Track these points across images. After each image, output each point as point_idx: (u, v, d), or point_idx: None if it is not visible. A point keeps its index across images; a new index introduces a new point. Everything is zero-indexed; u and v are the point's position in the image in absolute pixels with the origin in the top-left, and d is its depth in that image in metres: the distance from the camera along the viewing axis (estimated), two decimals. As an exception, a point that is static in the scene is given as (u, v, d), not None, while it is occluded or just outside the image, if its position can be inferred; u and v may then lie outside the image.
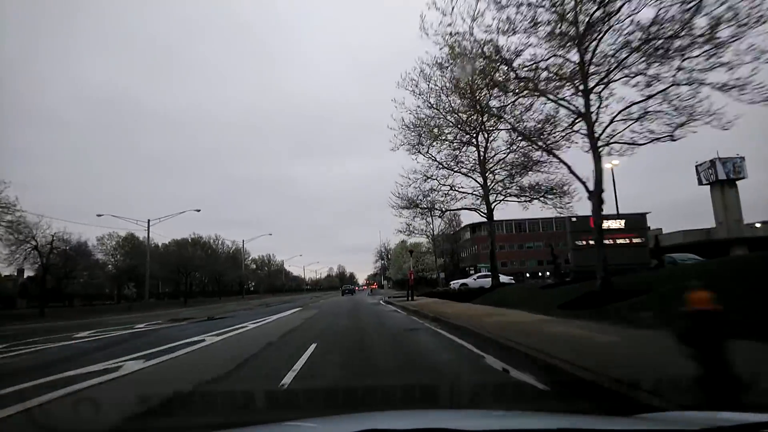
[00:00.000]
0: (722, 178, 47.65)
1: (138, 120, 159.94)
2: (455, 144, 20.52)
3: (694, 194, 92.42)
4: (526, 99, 12.55)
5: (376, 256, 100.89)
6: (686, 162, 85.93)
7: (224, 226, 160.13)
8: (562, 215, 20.71)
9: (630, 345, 6.06)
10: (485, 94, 14.12)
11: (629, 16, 9.20)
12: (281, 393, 4.79)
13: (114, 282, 47.90)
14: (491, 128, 19.16)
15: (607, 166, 21.41)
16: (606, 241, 12.27)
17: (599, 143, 10.75)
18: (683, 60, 8.95)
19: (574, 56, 10.30)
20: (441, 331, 9.93)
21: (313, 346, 8.05)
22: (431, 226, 31.48)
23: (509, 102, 13.05)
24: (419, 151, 20.47)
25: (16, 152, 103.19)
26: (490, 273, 27.24)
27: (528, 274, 63.40)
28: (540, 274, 67.61)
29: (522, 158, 19.60)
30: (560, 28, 9.79)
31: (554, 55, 10.40)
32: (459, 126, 19.47)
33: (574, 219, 18.36)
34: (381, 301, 25.13)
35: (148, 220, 34.94)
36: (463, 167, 21.09)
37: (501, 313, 11.69)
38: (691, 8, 8.23)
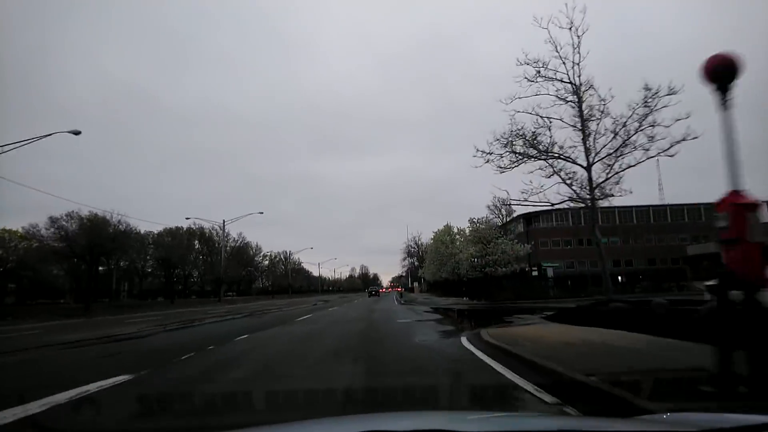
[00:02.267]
0: None
1: (157, 115, 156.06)
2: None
3: None
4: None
5: (404, 254, 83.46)
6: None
7: (245, 225, 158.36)
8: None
9: None
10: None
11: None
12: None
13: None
14: None
15: None
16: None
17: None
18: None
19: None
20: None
21: None
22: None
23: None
24: None
25: (36, 147, 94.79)
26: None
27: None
28: (641, 277, 48.91)
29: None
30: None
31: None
32: None
33: None
34: (466, 340, 7.90)
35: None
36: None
37: None
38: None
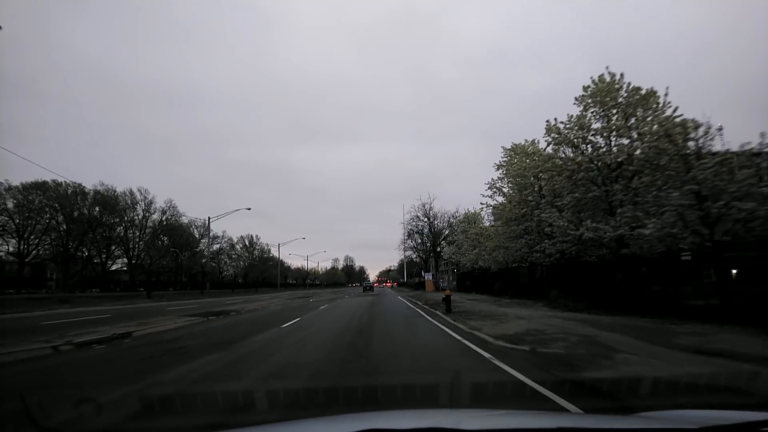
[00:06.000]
0: None
1: (123, 93, 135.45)
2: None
3: None
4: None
5: (405, 233, 55.58)
6: None
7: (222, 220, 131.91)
8: None
9: None
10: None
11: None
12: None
13: None
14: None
15: None
16: None
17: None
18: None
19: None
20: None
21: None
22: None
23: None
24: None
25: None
26: None
27: None
28: None
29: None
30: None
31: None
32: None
33: None
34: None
35: None
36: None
37: None
38: None
